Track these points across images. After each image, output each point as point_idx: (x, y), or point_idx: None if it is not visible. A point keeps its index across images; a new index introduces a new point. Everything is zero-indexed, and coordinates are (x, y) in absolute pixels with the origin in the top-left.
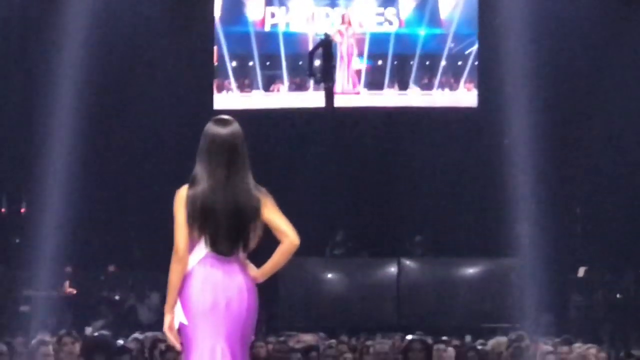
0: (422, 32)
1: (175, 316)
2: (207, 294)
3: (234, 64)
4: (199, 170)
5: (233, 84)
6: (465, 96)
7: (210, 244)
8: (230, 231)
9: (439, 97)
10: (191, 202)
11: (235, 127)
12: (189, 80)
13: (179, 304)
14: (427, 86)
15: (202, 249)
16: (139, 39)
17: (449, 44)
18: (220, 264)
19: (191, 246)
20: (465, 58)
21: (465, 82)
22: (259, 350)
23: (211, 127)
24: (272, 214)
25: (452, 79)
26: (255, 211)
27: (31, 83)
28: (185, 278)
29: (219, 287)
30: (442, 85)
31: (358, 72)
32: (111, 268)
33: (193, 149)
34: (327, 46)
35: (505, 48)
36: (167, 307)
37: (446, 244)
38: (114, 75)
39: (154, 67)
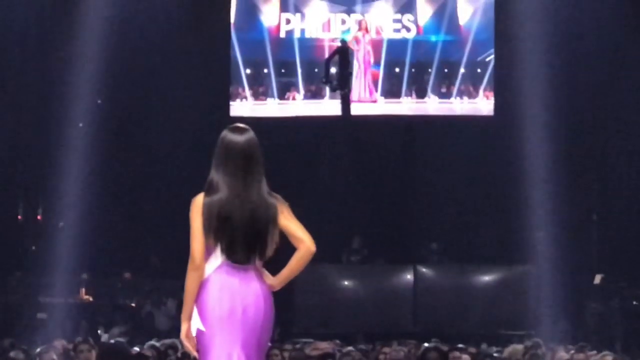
0: (440, 39)
1: (192, 323)
2: (224, 301)
3: (248, 71)
4: (215, 178)
5: (247, 91)
6: (485, 104)
7: (227, 253)
8: (246, 239)
9: (458, 106)
10: (207, 211)
11: (250, 135)
12: (206, 87)
13: (195, 311)
14: (446, 95)
15: (218, 257)
16: (156, 45)
17: (468, 51)
18: (237, 272)
19: (207, 254)
20: (484, 65)
21: (485, 90)
22: (275, 358)
23: (227, 135)
24: (288, 221)
25: (471, 87)
26: (272, 219)
27: (49, 91)
28: (201, 286)
29: (236, 295)
30: (460, 94)
31: (375, 80)
32: (127, 275)
33: (209, 156)
34: (343, 53)
35: (521, 56)
36: (183, 315)
37: (462, 251)
38: (130, 83)
39: (170, 74)
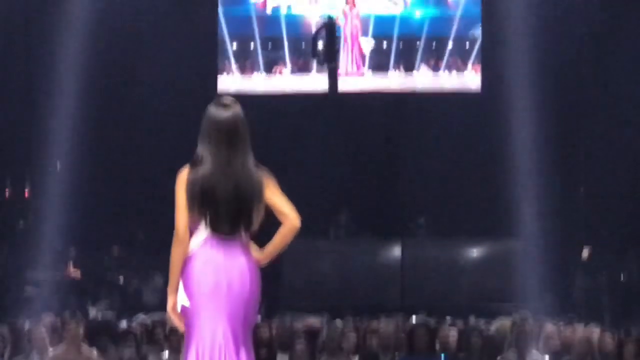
0: (428, 15)
1: (177, 298)
2: (208, 275)
3: (235, 46)
4: (200, 152)
5: (234, 65)
6: (473, 78)
7: (211, 226)
8: (230, 213)
9: (446, 79)
10: (191, 185)
11: (236, 109)
12: (193, 61)
13: (181, 286)
14: (434, 68)
15: (203, 231)
16: (143, 20)
17: (456, 26)
18: (222, 246)
19: (193, 228)
20: (472, 40)
21: (473, 64)
22: (263, 332)
23: (212, 110)
24: (274, 196)
25: (459, 61)
26: (257, 193)
27: (34, 66)
28: (186, 260)
29: (221, 269)
30: (449, 67)
31: (362, 54)
32: (115, 250)
33: (196, 130)
34: (330, 28)
35: (509, 32)
36: (169, 289)
37: (450, 225)
38: (116, 58)
39: (157, 49)
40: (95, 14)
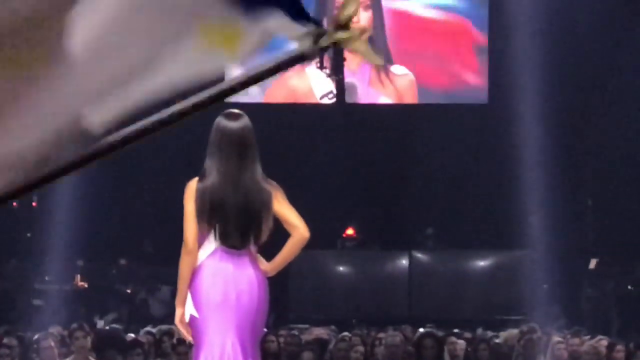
0: None
1: (186, 309)
2: (217, 287)
3: None
4: (209, 164)
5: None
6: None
7: (220, 238)
8: (240, 225)
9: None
10: (200, 196)
11: (245, 121)
12: None
13: (189, 297)
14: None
15: (212, 243)
16: None
17: None
18: (231, 258)
19: (201, 240)
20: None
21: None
22: (270, 344)
23: (222, 122)
24: (283, 207)
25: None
26: (266, 204)
27: None
28: (195, 272)
29: (230, 281)
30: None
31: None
32: (122, 261)
33: (204, 142)
34: None
35: (516, 40)
36: (178, 300)
37: (457, 237)
38: None
39: None
40: None
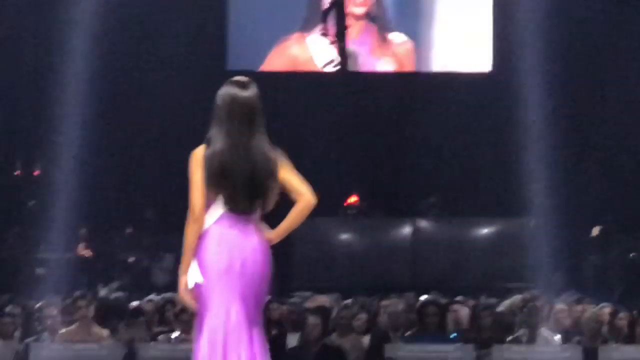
0: None
1: (190, 276)
2: (222, 254)
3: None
4: (216, 130)
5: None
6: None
7: (228, 203)
8: (247, 190)
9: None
10: (209, 162)
11: (254, 88)
12: (202, 40)
13: (194, 264)
14: None
15: (218, 209)
16: (151, 4)
17: None
18: (236, 224)
19: (207, 205)
20: None
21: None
22: (273, 312)
23: (231, 89)
24: (288, 175)
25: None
26: (272, 172)
27: (45, 47)
28: (201, 237)
29: (235, 248)
30: None
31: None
32: (125, 230)
33: (206, 109)
34: (339, 7)
35: (521, 11)
36: (182, 268)
37: (460, 204)
38: (125, 37)
39: (165, 27)
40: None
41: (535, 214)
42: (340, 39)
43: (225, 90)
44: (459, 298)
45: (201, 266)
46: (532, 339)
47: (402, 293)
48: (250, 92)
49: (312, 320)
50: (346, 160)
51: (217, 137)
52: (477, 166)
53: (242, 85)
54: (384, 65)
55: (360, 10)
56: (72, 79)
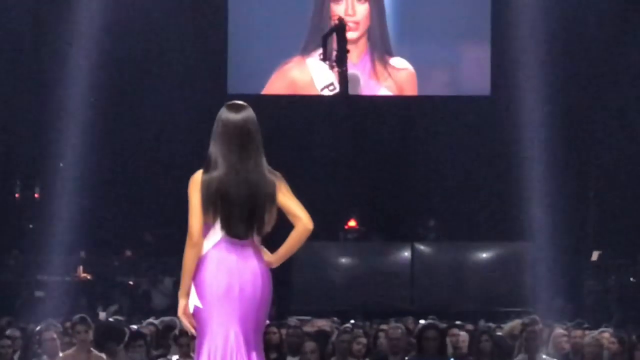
0: None
1: (189, 300)
2: (221, 278)
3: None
4: (213, 155)
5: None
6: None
7: (225, 228)
8: (244, 215)
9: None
10: (206, 187)
11: (248, 112)
12: (202, 63)
13: (193, 288)
14: None
15: (217, 234)
16: (152, 22)
17: None
18: (235, 249)
19: (205, 231)
20: None
21: None
22: (273, 336)
23: (224, 113)
24: (287, 199)
25: None
26: (270, 196)
27: (45, 68)
28: (199, 262)
29: (234, 272)
30: None
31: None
32: (128, 253)
33: (205, 134)
34: (340, 30)
35: (518, 34)
36: (181, 292)
37: (460, 229)
38: (125, 60)
39: (167, 49)
40: (106, 18)
41: (534, 239)
42: (341, 64)
43: (220, 115)
44: (458, 322)
45: (200, 290)
46: None
47: (402, 317)
48: (244, 115)
49: (310, 345)
50: (345, 184)
51: (215, 161)
52: (477, 190)
53: (236, 108)
54: (384, 88)
55: (352, 35)
56: (72, 102)
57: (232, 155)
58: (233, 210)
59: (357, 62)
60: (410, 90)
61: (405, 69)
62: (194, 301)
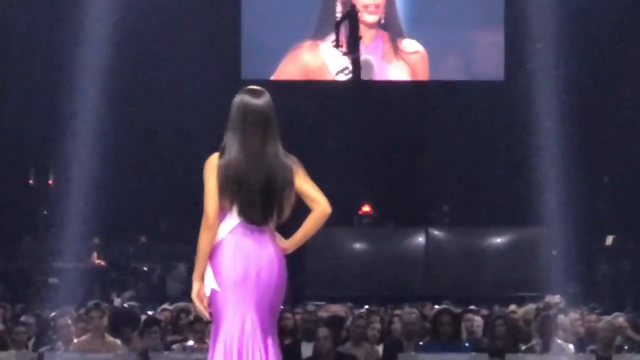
0: None
1: (205, 283)
2: (238, 263)
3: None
4: (230, 139)
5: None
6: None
7: (242, 213)
8: (263, 201)
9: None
10: (224, 171)
11: (267, 97)
12: (217, 49)
13: (209, 272)
14: None
15: (233, 219)
16: (167, 10)
17: None
18: (252, 234)
19: (222, 215)
20: None
21: None
22: (287, 321)
23: (244, 98)
24: (304, 182)
25: None
26: (289, 180)
27: (59, 53)
28: (216, 247)
29: (250, 257)
30: None
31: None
32: (143, 239)
33: (220, 119)
34: (352, 17)
35: (532, 15)
36: (195, 275)
37: (473, 214)
38: (140, 44)
39: (181, 34)
40: (117, 8)
41: (548, 223)
42: (353, 49)
43: (239, 99)
44: (472, 307)
45: (217, 275)
46: (545, 348)
47: (416, 302)
48: (263, 100)
49: (324, 331)
50: (359, 169)
51: (232, 145)
52: (491, 175)
53: (255, 94)
54: (397, 70)
55: (373, 19)
56: (87, 90)
57: (251, 141)
58: (252, 196)
59: (369, 45)
60: (423, 72)
61: (417, 52)
62: (211, 284)
